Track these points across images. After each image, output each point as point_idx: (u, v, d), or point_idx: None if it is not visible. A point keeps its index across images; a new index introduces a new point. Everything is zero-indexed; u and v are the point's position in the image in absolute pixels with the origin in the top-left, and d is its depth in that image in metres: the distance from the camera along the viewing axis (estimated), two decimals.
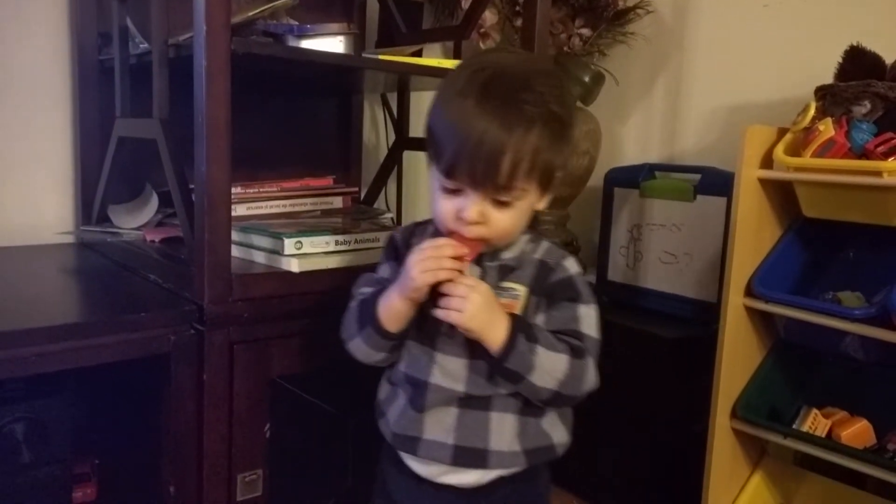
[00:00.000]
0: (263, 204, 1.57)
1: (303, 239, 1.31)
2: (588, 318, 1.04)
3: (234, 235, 1.30)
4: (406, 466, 1.09)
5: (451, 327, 0.98)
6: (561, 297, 1.03)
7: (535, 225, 1.09)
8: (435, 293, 0.98)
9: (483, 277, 1.02)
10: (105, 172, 1.61)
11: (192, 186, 1.22)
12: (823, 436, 1.50)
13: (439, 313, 0.96)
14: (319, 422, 1.40)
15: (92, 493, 1.33)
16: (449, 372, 1.02)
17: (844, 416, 1.54)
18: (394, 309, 1.01)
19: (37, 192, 1.69)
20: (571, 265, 1.06)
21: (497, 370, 0.98)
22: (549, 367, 0.98)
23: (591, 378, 1.04)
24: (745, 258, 1.54)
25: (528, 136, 0.93)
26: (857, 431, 1.50)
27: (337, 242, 1.37)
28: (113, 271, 1.44)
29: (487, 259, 1.04)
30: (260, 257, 1.35)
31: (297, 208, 1.63)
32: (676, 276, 1.92)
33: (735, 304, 1.54)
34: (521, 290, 1.03)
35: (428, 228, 1.09)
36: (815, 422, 1.52)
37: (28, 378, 1.17)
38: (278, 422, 1.29)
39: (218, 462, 1.21)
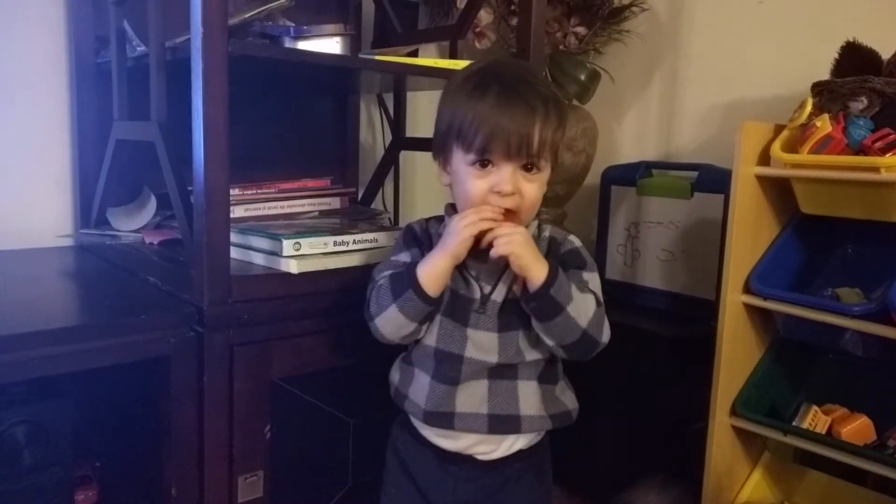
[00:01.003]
0: (261, 205, 1.57)
1: (301, 240, 1.31)
2: (595, 282, 1.16)
3: (233, 237, 1.30)
4: (429, 446, 1.18)
5: (484, 303, 1.12)
6: (571, 265, 1.15)
7: (537, 215, 1.19)
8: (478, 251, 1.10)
9: (486, 266, 1.13)
10: (103, 175, 1.61)
11: (190, 188, 1.22)
12: (823, 432, 1.50)
13: (494, 251, 1.06)
14: (320, 423, 1.40)
15: (93, 495, 1.33)
16: (481, 345, 1.12)
17: (844, 413, 1.54)
18: (437, 269, 1.09)
19: (35, 196, 1.69)
20: (575, 240, 1.20)
21: (540, 301, 1.06)
22: (582, 304, 1.09)
23: (607, 328, 1.15)
24: (743, 255, 1.55)
25: (549, 110, 1.08)
26: (858, 428, 1.50)
27: (335, 243, 1.37)
28: (112, 274, 1.44)
29: None
30: (258, 259, 1.35)
31: (294, 209, 1.64)
32: (674, 274, 1.92)
33: (733, 302, 1.55)
34: None
35: (447, 220, 1.16)
36: (815, 418, 1.52)
37: (29, 381, 1.17)
38: (279, 423, 1.29)
39: (219, 464, 1.21)
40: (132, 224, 1.60)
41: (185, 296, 1.23)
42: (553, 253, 1.16)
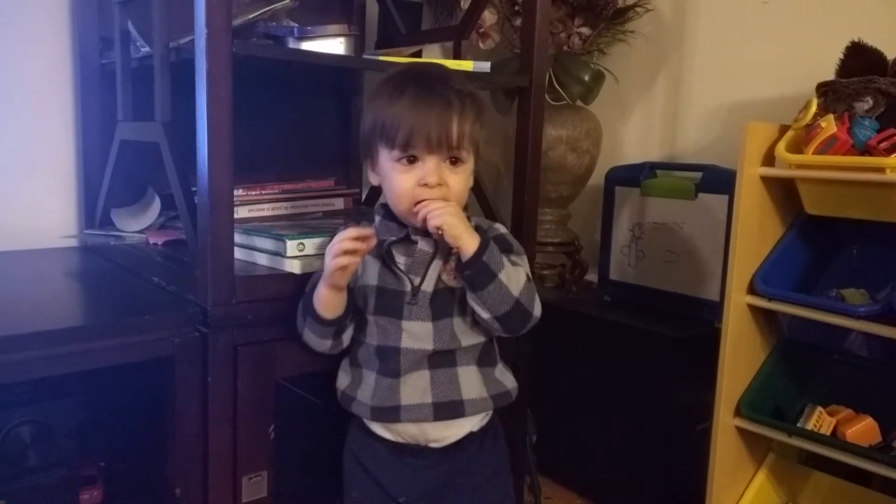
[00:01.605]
0: (265, 206, 1.57)
1: (305, 240, 1.31)
2: (524, 264, 1.23)
3: (237, 237, 1.30)
4: (382, 442, 1.23)
5: (415, 294, 1.17)
6: (500, 249, 1.19)
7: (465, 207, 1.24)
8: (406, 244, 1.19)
9: (438, 249, 1.20)
10: (107, 176, 1.61)
11: (194, 189, 1.22)
12: (828, 434, 1.50)
13: (429, 223, 1.12)
14: (324, 423, 1.40)
15: (98, 495, 1.33)
16: (416, 335, 1.17)
17: (849, 414, 1.54)
18: (322, 297, 1.17)
19: (40, 196, 1.70)
20: (501, 227, 1.29)
21: (474, 268, 1.13)
22: (513, 273, 1.16)
23: (538, 303, 1.21)
24: (748, 256, 1.54)
25: (465, 105, 1.15)
26: (863, 429, 1.49)
27: None
28: (116, 274, 1.44)
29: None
30: (262, 259, 1.35)
31: (298, 210, 1.64)
32: (678, 275, 1.92)
33: (738, 303, 1.54)
34: None
35: (377, 218, 1.25)
36: (820, 420, 1.52)
37: (34, 381, 1.17)
38: (283, 423, 1.29)
39: (223, 464, 1.22)
40: (136, 225, 1.60)
41: (189, 296, 1.23)
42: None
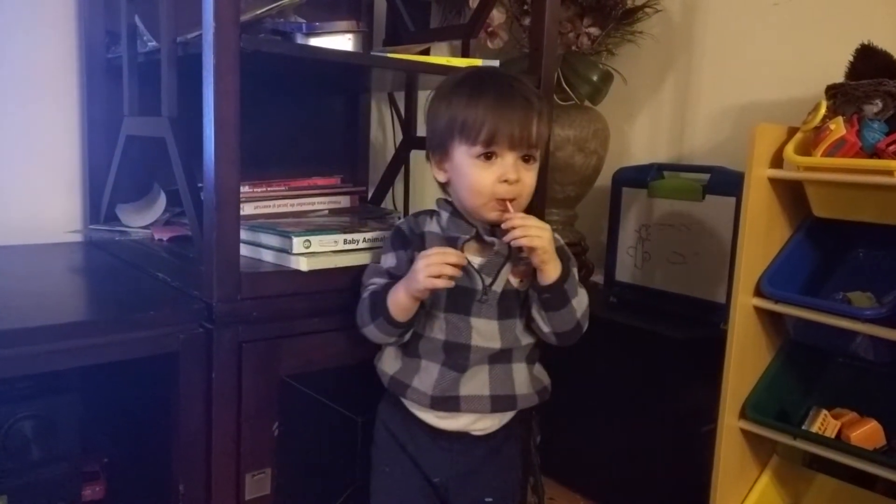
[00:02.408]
0: (271, 203, 1.57)
1: (311, 238, 1.31)
2: (576, 273, 1.27)
3: (243, 234, 1.29)
4: (423, 426, 1.26)
5: (486, 292, 1.21)
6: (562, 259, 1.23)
7: None
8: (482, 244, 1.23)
9: (511, 252, 1.22)
10: (113, 171, 1.61)
11: (200, 185, 1.22)
12: (833, 437, 1.49)
13: (523, 242, 1.15)
14: (328, 420, 1.40)
15: (101, 490, 1.33)
16: (484, 333, 1.21)
17: (854, 417, 1.53)
18: (402, 304, 1.17)
19: (45, 191, 1.70)
20: (559, 237, 1.28)
21: (554, 293, 1.19)
22: (582, 297, 1.24)
23: (588, 319, 1.26)
24: (755, 258, 1.54)
25: (542, 106, 1.21)
26: (867, 432, 1.49)
27: (345, 241, 1.36)
28: (121, 270, 1.44)
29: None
30: (268, 256, 1.35)
31: (304, 207, 1.63)
32: (685, 277, 1.91)
33: (744, 305, 1.53)
34: None
35: (441, 215, 1.26)
36: (825, 423, 1.51)
37: (37, 376, 1.17)
38: (287, 421, 1.29)
39: (226, 461, 1.21)
40: (141, 220, 1.60)
41: (194, 292, 1.23)
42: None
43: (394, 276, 1.22)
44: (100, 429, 1.35)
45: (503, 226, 1.17)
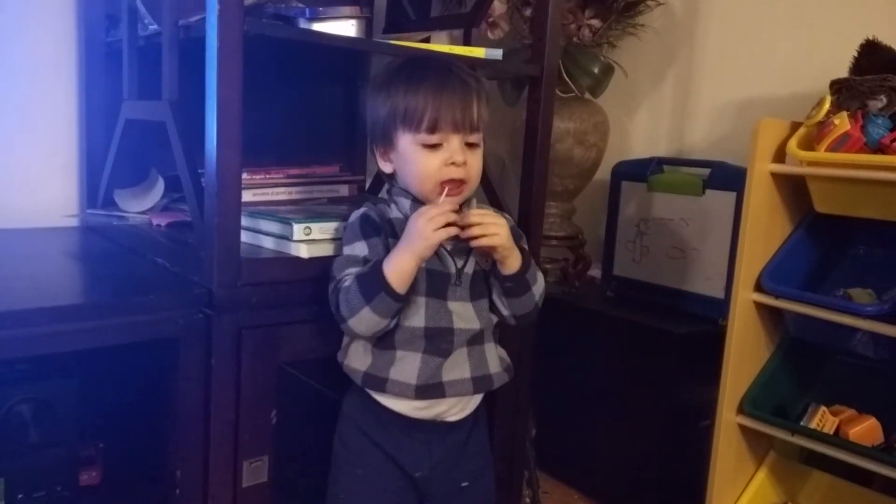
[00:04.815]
0: (269, 190, 1.56)
1: (312, 224, 1.30)
2: (533, 261, 1.28)
3: (243, 220, 1.28)
4: (394, 421, 1.23)
5: (459, 276, 1.22)
6: (514, 238, 1.25)
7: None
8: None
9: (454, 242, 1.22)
10: (111, 156, 1.60)
11: (201, 171, 1.21)
12: (831, 433, 1.49)
13: (482, 241, 1.17)
14: (326, 409, 1.39)
15: (97, 476, 1.32)
16: (464, 316, 1.22)
17: (852, 414, 1.53)
18: (406, 271, 1.15)
19: (43, 175, 1.69)
20: (509, 218, 1.33)
21: (516, 283, 1.23)
22: (540, 282, 1.28)
23: (543, 298, 1.30)
24: (755, 253, 1.53)
25: (480, 88, 1.22)
26: (865, 429, 1.49)
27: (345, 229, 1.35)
28: (120, 254, 1.43)
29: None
30: (268, 242, 1.34)
31: (302, 195, 1.62)
32: (684, 272, 1.91)
33: (744, 300, 1.53)
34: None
35: (400, 202, 1.25)
36: (823, 419, 1.51)
37: (35, 358, 1.16)
38: (285, 408, 1.28)
39: (224, 447, 1.21)
40: (139, 206, 1.59)
41: (194, 277, 1.22)
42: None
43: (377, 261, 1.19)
44: (97, 413, 1.34)
45: (460, 230, 1.17)
